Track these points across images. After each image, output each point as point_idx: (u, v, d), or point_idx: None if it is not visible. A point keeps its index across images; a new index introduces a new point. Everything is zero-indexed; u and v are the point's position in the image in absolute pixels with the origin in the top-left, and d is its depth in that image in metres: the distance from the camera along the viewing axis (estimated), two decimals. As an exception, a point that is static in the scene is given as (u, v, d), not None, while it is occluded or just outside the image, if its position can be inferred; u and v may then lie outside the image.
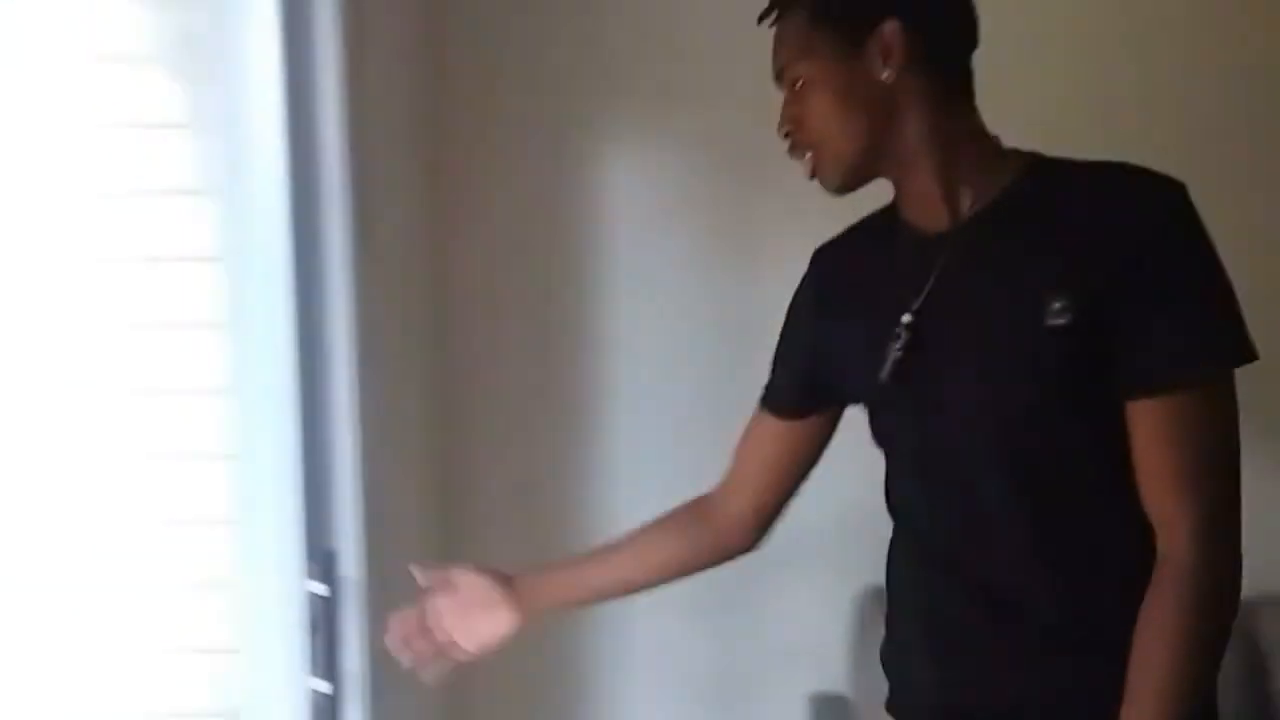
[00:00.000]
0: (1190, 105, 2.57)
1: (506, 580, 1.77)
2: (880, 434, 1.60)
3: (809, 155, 1.52)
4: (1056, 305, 1.40)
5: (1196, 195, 1.40)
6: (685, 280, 2.67)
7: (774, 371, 1.73)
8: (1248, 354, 1.40)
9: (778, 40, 1.53)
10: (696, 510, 1.78)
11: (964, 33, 1.52)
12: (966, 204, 1.49)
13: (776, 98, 1.54)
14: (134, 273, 1.76)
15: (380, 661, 1.81)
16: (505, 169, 2.65)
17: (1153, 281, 1.38)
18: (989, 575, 1.50)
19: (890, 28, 1.46)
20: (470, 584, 1.75)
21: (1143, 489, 1.42)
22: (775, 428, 1.72)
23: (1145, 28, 2.58)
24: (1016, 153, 1.51)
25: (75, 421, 1.76)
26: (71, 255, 1.75)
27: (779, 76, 1.53)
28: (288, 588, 1.71)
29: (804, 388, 1.69)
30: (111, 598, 1.76)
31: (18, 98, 1.73)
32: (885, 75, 1.47)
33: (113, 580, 1.76)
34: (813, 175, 1.53)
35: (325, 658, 1.75)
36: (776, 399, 1.72)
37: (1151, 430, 1.41)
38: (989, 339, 1.46)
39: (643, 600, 1.83)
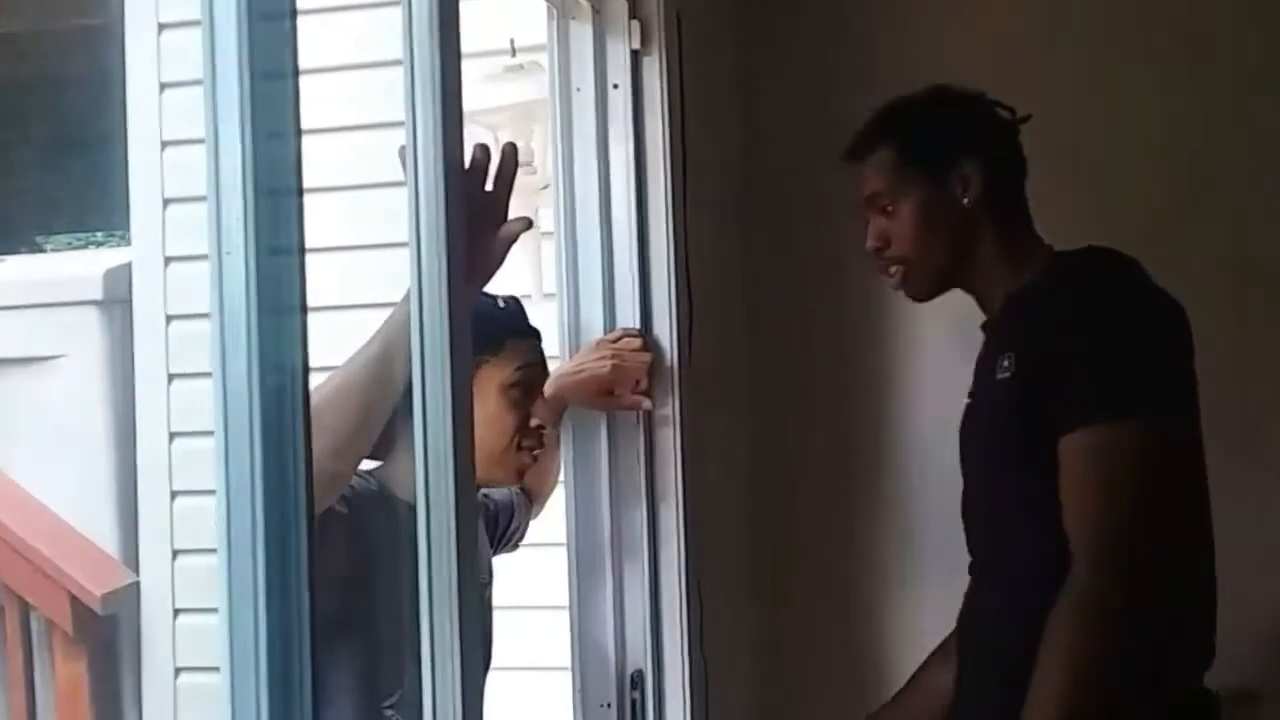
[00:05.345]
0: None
1: None
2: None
3: (897, 269, 1.88)
4: (1005, 362, 1.76)
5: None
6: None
7: None
8: (1136, 409, 1.67)
9: (866, 171, 1.89)
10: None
11: (1021, 166, 1.89)
12: (1006, 293, 1.84)
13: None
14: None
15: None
16: (812, 254, 2.69)
17: (1077, 341, 1.70)
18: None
19: (968, 165, 1.83)
20: None
21: (1064, 515, 1.69)
22: None
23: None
24: (1056, 253, 1.85)
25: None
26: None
27: (868, 202, 1.89)
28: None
29: None
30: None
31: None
32: (966, 202, 1.83)
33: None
34: (899, 285, 1.90)
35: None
36: None
37: (1068, 462, 1.69)
38: (978, 396, 1.85)
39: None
